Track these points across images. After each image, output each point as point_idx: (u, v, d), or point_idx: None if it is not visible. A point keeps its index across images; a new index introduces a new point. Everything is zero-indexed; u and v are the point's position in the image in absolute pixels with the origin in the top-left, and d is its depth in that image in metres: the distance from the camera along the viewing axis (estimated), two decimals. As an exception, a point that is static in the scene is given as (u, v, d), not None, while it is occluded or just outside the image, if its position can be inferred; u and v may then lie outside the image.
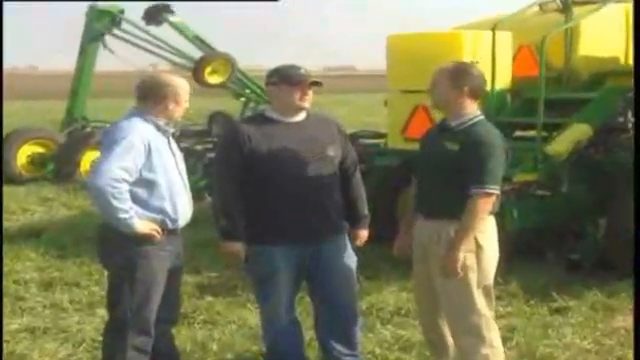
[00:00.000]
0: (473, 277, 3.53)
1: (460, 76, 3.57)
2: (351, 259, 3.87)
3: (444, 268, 3.50)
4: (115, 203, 3.40)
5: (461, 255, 3.45)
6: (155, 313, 3.63)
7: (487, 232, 3.56)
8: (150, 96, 3.63)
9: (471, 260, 3.50)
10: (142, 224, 3.50)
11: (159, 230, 3.56)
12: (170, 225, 3.61)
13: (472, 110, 3.61)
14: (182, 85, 3.69)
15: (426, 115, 6.02)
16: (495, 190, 3.47)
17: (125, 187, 3.43)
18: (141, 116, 3.61)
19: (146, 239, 3.52)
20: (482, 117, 3.63)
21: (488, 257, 3.57)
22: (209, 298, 5.38)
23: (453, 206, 3.47)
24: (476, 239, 3.50)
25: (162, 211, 3.58)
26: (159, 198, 3.56)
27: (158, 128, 3.62)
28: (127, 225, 3.45)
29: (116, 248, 3.56)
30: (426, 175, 3.68)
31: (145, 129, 3.56)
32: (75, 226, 7.77)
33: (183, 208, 3.67)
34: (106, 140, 3.58)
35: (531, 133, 6.30)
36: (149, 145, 3.52)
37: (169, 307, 3.74)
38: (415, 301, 4.08)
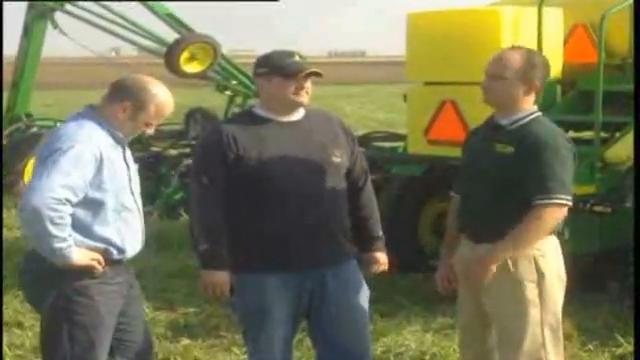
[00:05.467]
0: (535, 313, 3.54)
1: (532, 67, 3.61)
2: (362, 291, 3.88)
3: (467, 268, 3.54)
4: (52, 230, 3.34)
5: (494, 267, 3.48)
6: None
7: (549, 256, 3.59)
8: (111, 94, 3.59)
9: (533, 292, 3.53)
10: (80, 254, 3.44)
11: (101, 260, 3.51)
12: (115, 255, 3.57)
13: (529, 106, 3.67)
14: (158, 99, 3.56)
15: (455, 112, 6.04)
16: (567, 201, 3.51)
17: (68, 210, 3.38)
18: (94, 118, 3.57)
19: (84, 272, 3.48)
20: (539, 113, 3.69)
21: (552, 286, 3.59)
22: (185, 340, 5.39)
23: (508, 225, 3.48)
24: (537, 265, 3.53)
25: (106, 240, 3.53)
26: (104, 223, 3.52)
27: (113, 135, 3.57)
28: (62, 256, 3.40)
29: (47, 284, 3.51)
30: (472, 188, 3.70)
31: (98, 136, 3.52)
32: (17, 251, 7.73)
33: (133, 235, 3.64)
34: (47, 148, 3.49)
35: (587, 134, 6.33)
36: (101, 156, 3.47)
37: (137, 353, 3.72)
38: (459, 347, 4.07)
